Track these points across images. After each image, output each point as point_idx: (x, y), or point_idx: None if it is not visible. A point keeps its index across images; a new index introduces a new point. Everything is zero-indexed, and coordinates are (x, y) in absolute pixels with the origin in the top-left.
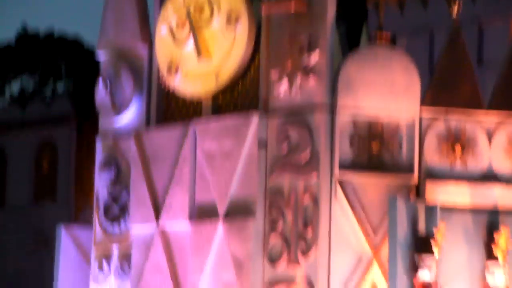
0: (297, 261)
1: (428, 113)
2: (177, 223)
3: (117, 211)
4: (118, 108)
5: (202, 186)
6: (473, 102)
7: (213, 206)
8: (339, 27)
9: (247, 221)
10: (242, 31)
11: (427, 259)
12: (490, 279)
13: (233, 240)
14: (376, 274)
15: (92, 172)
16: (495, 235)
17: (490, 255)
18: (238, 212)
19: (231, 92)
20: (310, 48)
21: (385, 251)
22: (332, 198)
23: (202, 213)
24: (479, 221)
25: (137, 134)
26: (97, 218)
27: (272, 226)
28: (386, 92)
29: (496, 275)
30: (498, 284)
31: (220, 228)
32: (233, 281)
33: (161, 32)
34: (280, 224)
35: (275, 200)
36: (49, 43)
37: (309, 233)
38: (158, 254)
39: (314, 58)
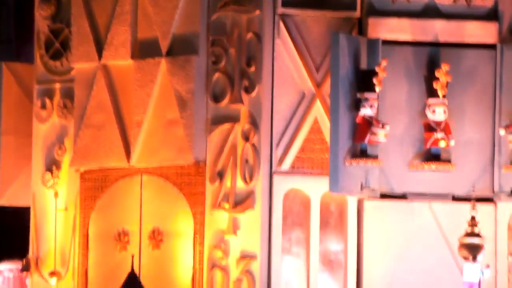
0: (240, 99)
1: None
2: (120, 61)
3: (59, 48)
4: None
5: (144, 23)
6: None
7: (155, 44)
8: None
9: (190, 58)
10: None
11: (368, 95)
12: (430, 115)
13: (176, 78)
14: (318, 111)
15: (33, 6)
16: (436, 71)
17: (430, 91)
18: (181, 49)
19: None
20: None
21: (327, 87)
22: (275, 35)
23: (144, 51)
24: (420, 56)
25: None
26: (38, 55)
27: (215, 63)
28: None
29: (436, 111)
30: (437, 119)
31: (163, 66)
32: (176, 118)
33: None
34: (223, 62)
35: (218, 37)
36: None
37: (252, 71)
38: (101, 91)
39: None
